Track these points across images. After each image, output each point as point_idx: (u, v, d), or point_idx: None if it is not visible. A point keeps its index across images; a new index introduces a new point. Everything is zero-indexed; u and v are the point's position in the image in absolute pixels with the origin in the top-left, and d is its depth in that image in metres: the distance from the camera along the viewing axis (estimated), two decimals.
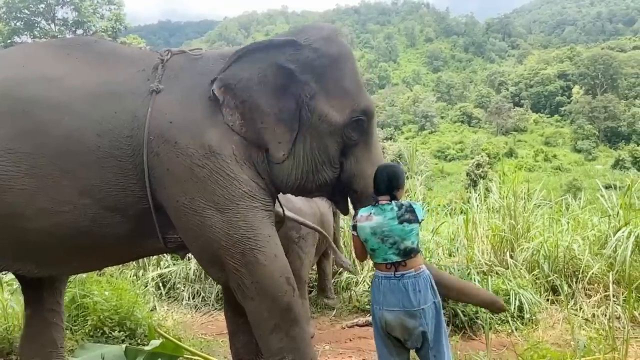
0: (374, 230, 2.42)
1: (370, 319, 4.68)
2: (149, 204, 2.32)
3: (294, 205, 4.20)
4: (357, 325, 4.64)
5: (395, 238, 2.41)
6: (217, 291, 5.19)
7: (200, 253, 2.38)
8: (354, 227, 2.48)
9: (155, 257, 5.64)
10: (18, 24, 23.13)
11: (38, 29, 23.54)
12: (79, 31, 23.04)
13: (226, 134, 2.33)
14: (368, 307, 4.95)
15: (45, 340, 2.97)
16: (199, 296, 5.29)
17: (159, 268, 5.68)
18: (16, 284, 3.71)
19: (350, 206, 2.75)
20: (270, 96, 2.37)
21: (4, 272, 2.97)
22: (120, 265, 5.47)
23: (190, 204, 2.24)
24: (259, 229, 2.27)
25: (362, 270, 5.57)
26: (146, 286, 5.36)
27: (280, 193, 2.64)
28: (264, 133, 2.34)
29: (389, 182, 2.45)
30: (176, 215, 2.30)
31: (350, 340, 4.31)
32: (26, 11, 23.06)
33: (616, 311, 4.18)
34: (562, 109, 77.11)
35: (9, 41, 21.88)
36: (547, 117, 78.47)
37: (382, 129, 70.82)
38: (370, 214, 2.44)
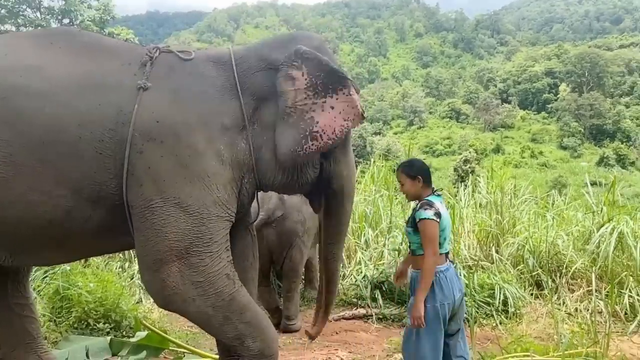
0: (448, 219, 2.63)
1: (356, 312, 4.73)
2: (124, 201, 2.30)
3: (292, 201, 4.22)
4: (344, 318, 4.66)
5: (449, 228, 2.65)
6: None
7: (149, 254, 2.30)
8: (439, 215, 2.51)
9: None
10: (2, 12, 22.67)
11: (22, 17, 23.10)
12: (65, 20, 22.66)
13: (215, 135, 2.34)
14: (355, 300, 4.98)
15: (20, 334, 2.95)
16: None
17: None
18: None
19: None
20: None
21: None
22: (106, 257, 5.41)
23: (163, 204, 2.23)
24: (215, 236, 2.31)
25: (350, 264, 5.59)
26: (132, 278, 5.31)
27: (262, 191, 2.72)
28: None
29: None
30: (141, 214, 2.26)
31: (337, 333, 4.33)
32: None
33: (598, 306, 4.25)
34: (549, 106, 77.76)
35: None
36: (534, 114, 79.12)
37: (371, 124, 71.00)
38: (441, 203, 2.61)
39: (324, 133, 2.40)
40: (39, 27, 19.54)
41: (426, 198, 2.60)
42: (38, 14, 23.25)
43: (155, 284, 2.32)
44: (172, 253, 2.24)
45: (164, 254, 2.24)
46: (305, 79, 2.41)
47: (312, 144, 2.40)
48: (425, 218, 2.50)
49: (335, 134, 2.42)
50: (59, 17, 22.82)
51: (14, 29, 21.57)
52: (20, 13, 23.03)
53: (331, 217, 2.79)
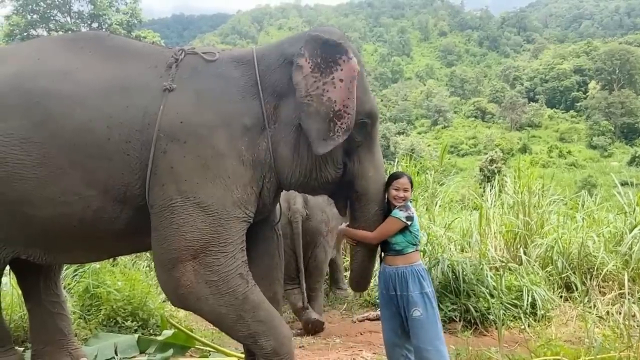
0: (417, 221, 2.87)
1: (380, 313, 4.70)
2: (147, 201, 2.34)
3: (316, 201, 4.24)
4: (368, 319, 4.64)
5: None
6: None
7: (165, 252, 2.32)
8: (411, 218, 2.74)
9: None
10: (34, 16, 23.38)
11: (54, 22, 23.79)
12: (95, 24, 23.23)
13: (236, 136, 2.35)
14: (379, 301, 4.94)
15: (51, 331, 3.04)
16: None
17: None
18: None
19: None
20: None
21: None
22: (134, 256, 5.52)
23: (183, 203, 2.26)
24: (232, 237, 2.32)
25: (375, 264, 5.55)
26: None
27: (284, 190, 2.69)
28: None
29: None
30: (161, 213, 2.29)
31: (361, 334, 4.32)
32: (42, 4, 23.31)
33: (631, 309, 4.13)
34: (578, 104, 76.05)
35: (25, 34, 22.14)
36: (562, 113, 77.44)
37: (395, 124, 70.66)
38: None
39: (347, 107, 2.36)
40: (69, 31, 20.03)
41: (406, 203, 2.75)
42: (68, 18, 23.90)
43: (170, 282, 2.35)
44: (188, 252, 2.27)
45: (180, 253, 2.27)
46: (309, 63, 2.38)
47: (342, 124, 2.36)
48: (395, 217, 2.69)
49: (355, 104, 2.39)
50: (89, 22, 23.41)
51: (45, 33, 22.20)
52: (52, 18, 23.71)
53: (356, 220, 2.72)
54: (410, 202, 2.85)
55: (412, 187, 2.79)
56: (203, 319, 2.54)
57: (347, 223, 2.85)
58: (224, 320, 2.38)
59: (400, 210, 2.70)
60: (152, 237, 2.36)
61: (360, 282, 2.94)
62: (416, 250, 2.80)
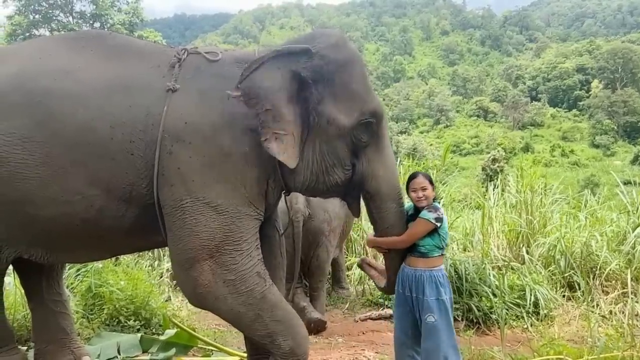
0: (447, 223, 2.82)
1: (383, 312, 4.70)
2: (154, 200, 2.34)
3: (318, 200, 4.24)
4: (370, 318, 4.64)
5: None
6: None
7: (181, 252, 2.33)
8: (440, 219, 2.68)
9: None
10: (36, 16, 23.44)
11: (56, 21, 23.84)
12: (96, 24, 23.26)
13: (240, 136, 2.35)
14: (381, 300, 4.95)
15: (54, 329, 3.05)
16: None
17: None
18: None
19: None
20: (288, 103, 2.37)
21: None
22: (136, 255, 5.52)
23: (193, 203, 2.27)
24: (246, 235, 2.33)
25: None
26: (161, 277, 5.41)
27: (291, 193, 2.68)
28: (283, 139, 2.31)
29: None
30: (173, 213, 2.31)
31: (363, 333, 4.31)
32: (44, 4, 23.36)
33: (635, 308, 4.12)
34: (581, 103, 75.91)
35: (27, 34, 22.19)
36: (565, 112, 77.35)
37: (397, 123, 70.58)
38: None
39: None
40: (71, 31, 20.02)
41: (434, 204, 2.71)
42: (70, 18, 23.94)
43: (187, 282, 2.35)
44: (203, 251, 2.27)
45: (195, 253, 2.27)
46: None
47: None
48: (424, 218, 2.64)
49: None
50: (91, 22, 23.45)
51: (48, 33, 22.24)
52: (54, 18, 23.76)
53: (375, 221, 2.69)
54: (438, 203, 2.79)
55: (432, 184, 2.74)
56: (221, 318, 2.54)
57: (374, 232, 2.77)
58: (242, 320, 2.38)
59: (429, 211, 2.64)
60: (168, 237, 2.37)
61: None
62: (441, 254, 2.73)
